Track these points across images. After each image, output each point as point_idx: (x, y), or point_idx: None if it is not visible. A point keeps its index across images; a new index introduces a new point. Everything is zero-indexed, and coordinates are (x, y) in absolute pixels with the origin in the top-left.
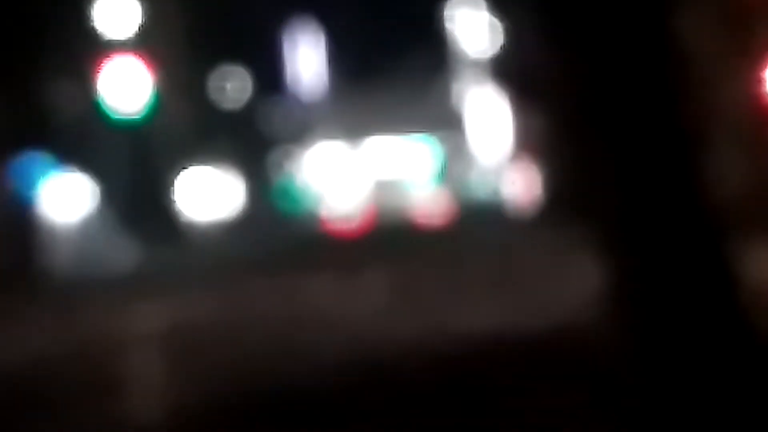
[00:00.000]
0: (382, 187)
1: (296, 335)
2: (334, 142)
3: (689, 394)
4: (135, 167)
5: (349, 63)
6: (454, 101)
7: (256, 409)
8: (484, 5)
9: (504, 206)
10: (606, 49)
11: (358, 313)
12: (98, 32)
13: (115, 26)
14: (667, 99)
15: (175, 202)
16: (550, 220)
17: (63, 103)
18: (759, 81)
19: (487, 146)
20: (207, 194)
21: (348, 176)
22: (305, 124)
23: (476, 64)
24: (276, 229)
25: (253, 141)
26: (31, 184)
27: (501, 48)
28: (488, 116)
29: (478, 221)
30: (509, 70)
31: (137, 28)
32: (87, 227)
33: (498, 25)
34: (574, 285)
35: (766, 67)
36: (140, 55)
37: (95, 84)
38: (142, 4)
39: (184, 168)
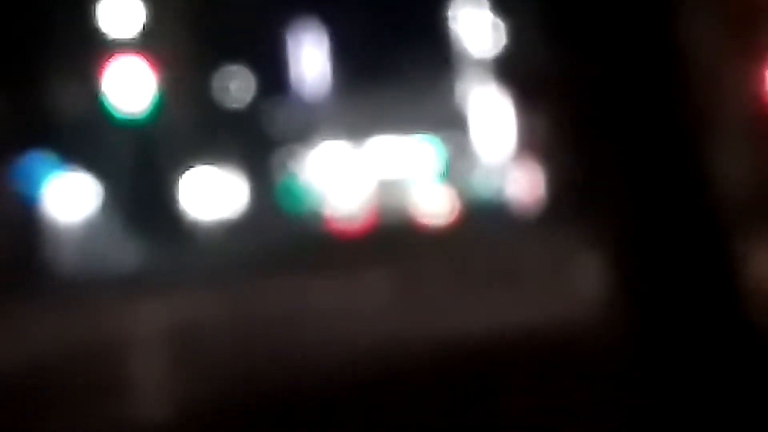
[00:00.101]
0: (386, 186)
1: (299, 334)
2: (338, 141)
3: (691, 393)
4: (139, 167)
5: (353, 63)
6: (457, 101)
7: (259, 408)
8: (487, 5)
9: (507, 206)
10: (609, 48)
11: (362, 313)
12: (102, 32)
13: (119, 26)
14: (669, 98)
15: (178, 201)
16: (553, 219)
17: (67, 103)
18: (762, 80)
19: (491, 146)
20: (210, 194)
21: (351, 176)
22: (309, 124)
23: (479, 63)
24: (279, 229)
25: (256, 141)
26: (35, 184)
27: (504, 48)
28: (491, 116)
29: (481, 221)
30: (512, 69)
31: (141, 29)
32: (91, 227)
33: (501, 25)
34: (577, 284)
35: None
36: (144, 55)
37: (99, 84)
38: (146, 5)
39: (188, 168)
